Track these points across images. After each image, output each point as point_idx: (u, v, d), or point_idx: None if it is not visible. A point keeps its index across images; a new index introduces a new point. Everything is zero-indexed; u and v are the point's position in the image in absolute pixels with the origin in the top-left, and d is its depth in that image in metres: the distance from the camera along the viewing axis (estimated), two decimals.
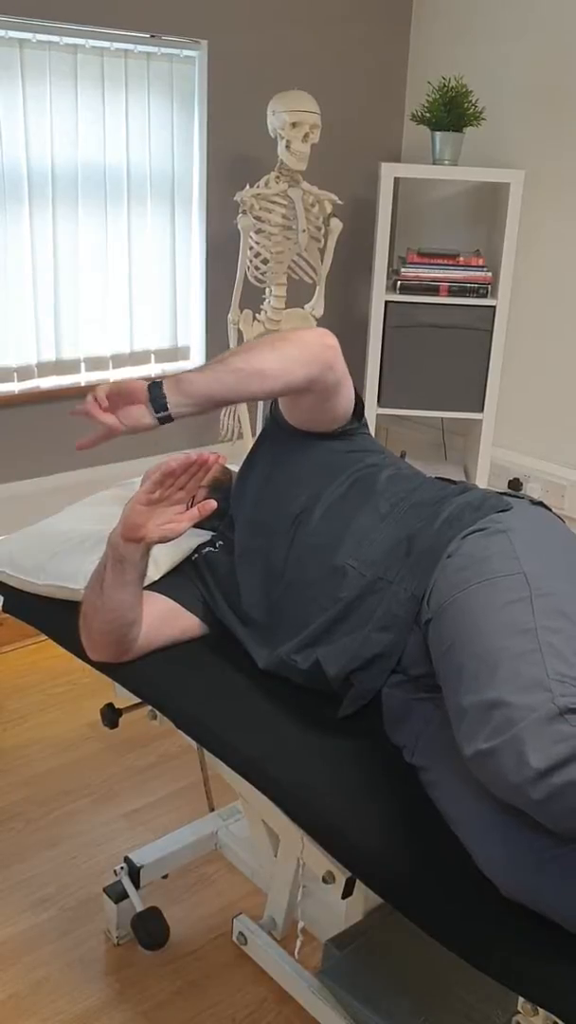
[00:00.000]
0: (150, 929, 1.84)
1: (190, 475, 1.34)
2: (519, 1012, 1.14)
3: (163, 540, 1.38)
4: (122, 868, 1.89)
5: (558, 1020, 1.04)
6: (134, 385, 1.42)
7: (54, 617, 1.65)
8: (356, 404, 1.60)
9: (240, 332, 3.00)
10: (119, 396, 1.42)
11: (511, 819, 1.07)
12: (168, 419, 1.42)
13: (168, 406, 1.41)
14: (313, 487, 1.53)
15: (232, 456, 1.95)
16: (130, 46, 2.82)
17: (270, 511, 1.56)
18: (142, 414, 1.42)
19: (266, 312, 2.99)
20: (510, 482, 3.36)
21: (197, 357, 3.27)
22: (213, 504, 1.35)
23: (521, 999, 1.11)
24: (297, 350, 1.45)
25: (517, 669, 1.09)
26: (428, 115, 3.06)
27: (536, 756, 0.99)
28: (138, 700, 1.62)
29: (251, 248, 2.89)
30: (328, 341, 1.48)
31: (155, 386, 1.41)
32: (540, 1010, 1.10)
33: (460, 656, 1.18)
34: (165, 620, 1.55)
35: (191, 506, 1.38)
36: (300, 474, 1.56)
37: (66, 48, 2.70)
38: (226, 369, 1.42)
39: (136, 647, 1.50)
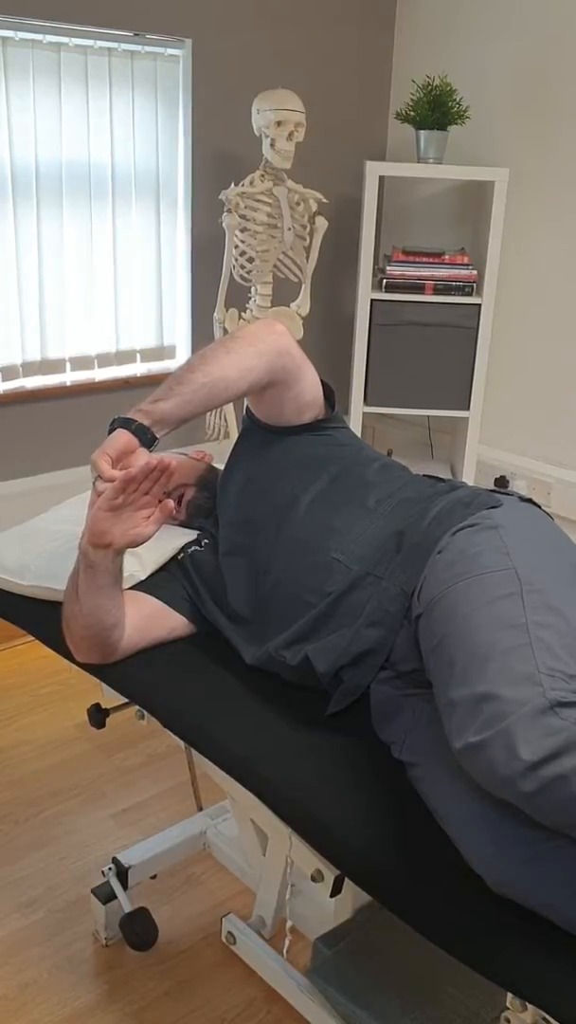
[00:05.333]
0: (139, 930, 1.83)
1: (153, 480, 1.34)
2: (508, 1008, 1.14)
3: (131, 545, 1.38)
4: (110, 869, 1.89)
5: (547, 1016, 1.05)
6: (120, 440, 1.39)
7: (40, 617, 1.64)
8: (328, 394, 1.61)
9: (226, 330, 3.00)
10: (118, 458, 1.40)
11: (500, 814, 1.07)
12: (155, 440, 1.43)
13: (153, 432, 1.41)
14: (296, 482, 1.53)
15: (219, 454, 1.95)
16: (114, 44, 2.81)
17: (254, 508, 1.56)
18: (142, 454, 1.41)
19: (252, 311, 2.98)
20: (496, 480, 3.37)
21: (183, 356, 3.26)
22: (171, 504, 1.36)
23: (510, 995, 1.11)
24: (249, 346, 1.46)
25: (508, 663, 1.10)
26: (413, 113, 3.07)
27: (526, 749, 0.99)
28: (125, 700, 1.61)
29: (236, 247, 2.89)
30: (277, 328, 1.50)
31: (128, 421, 1.40)
32: (529, 1006, 1.10)
33: (450, 651, 1.18)
34: (152, 620, 1.55)
35: (177, 504, 1.38)
36: (282, 470, 1.56)
37: (49, 46, 2.69)
38: (190, 389, 1.42)
39: (122, 648, 1.50)
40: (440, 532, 1.38)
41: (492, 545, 1.30)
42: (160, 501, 1.37)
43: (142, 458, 1.39)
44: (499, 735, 1.02)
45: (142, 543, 1.38)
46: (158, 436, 1.41)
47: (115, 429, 1.40)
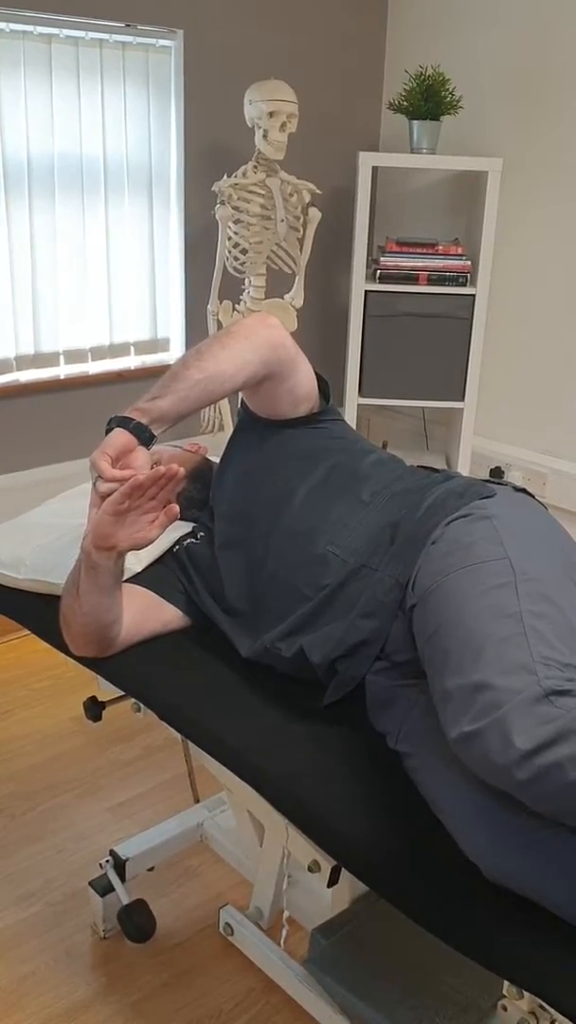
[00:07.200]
0: (136, 922, 1.84)
1: (160, 487, 1.33)
2: (504, 996, 1.14)
3: (135, 548, 1.37)
4: (107, 861, 1.89)
5: (543, 1003, 1.05)
6: (119, 439, 1.38)
7: (35, 612, 1.64)
8: (322, 386, 1.60)
9: (220, 323, 2.99)
10: (118, 457, 1.39)
11: (495, 803, 1.07)
12: (153, 438, 1.42)
13: (151, 430, 1.41)
14: (292, 475, 1.53)
15: (214, 447, 1.95)
16: (105, 36, 2.79)
17: (250, 501, 1.56)
18: (141, 452, 1.40)
19: (246, 303, 2.98)
20: (491, 471, 3.37)
21: (177, 349, 3.26)
22: (176, 509, 1.35)
23: (506, 983, 1.11)
24: (244, 340, 1.46)
25: (502, 652, 1.10)
26: (406, 104, 3.06)
27: (521, 737, 1.00)
28: (121, 693, 1.61)
29: (230, 238, 2.88)
30: (270, 321, 1.51)
31: (126, 420, 1.39)
32: (525, 993, 1.11)
33: (445, 640, 1.18)
34: (147, 613, 1.55)
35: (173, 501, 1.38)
36: (278, 463, 1.56)
37: (40, 38, 2.67)
38: (186, 385, 1.42)
39: (118, 642, 1.50)
40: (434, 523, 1.38)
41: (486, 535, 1.30)
42: (165, 506, 1.36)
43: (141, 457, 1.39)
44: (494, 724, 1.02)
45: (146, 546, 1.38)
46: (156, 434, 1.41)
47: (112, 428, 1.39)
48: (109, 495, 1.34)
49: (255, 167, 2.84)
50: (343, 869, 1.28)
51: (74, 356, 3.02)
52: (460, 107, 3.09)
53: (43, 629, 1.60)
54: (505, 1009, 1.15)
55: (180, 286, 3.21)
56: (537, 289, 3.19)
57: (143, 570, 1.64)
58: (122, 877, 1.87)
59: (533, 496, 1.49)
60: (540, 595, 1.18)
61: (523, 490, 1.49)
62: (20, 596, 1.68)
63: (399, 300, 3.11)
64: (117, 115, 2.89)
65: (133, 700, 1.61)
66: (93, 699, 1.74)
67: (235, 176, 2.85)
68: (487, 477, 3.06)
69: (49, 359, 2.97)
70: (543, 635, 1.12)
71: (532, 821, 1.04)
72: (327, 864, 1.30)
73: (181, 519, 1.75)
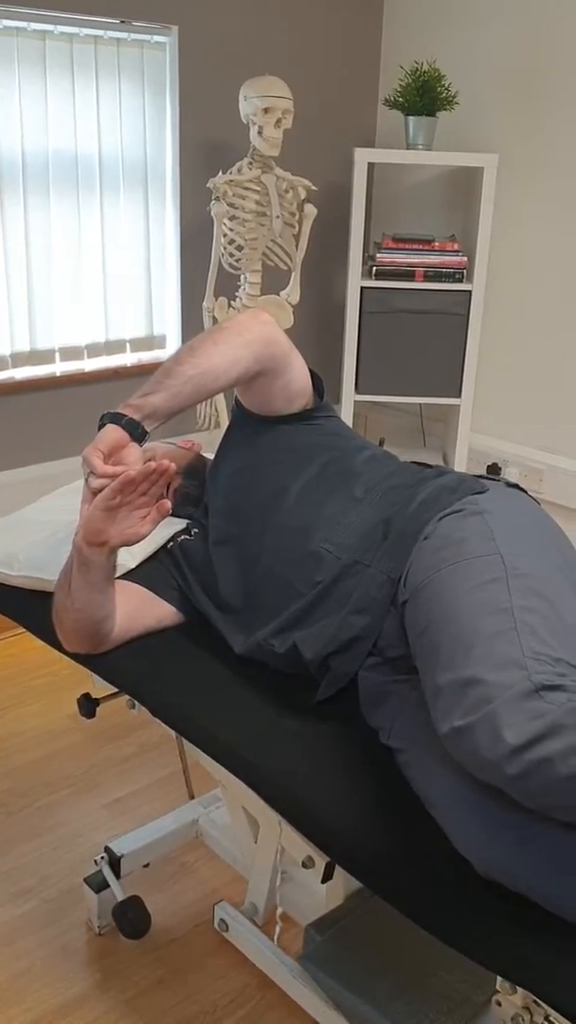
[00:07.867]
0: (132, 918, 1.84)
1: (151, 483, 1.33)
2: (498, 991, 1.14)
3: (127, 544, 1.37)
4: (103, 858, 1.89)
5: (536, 998, 1.05)
6: (112, 435, 1.38)
7: (30, 609, 1.64)
8: (316, 383, 1.60)
9: (215, 319, 2.99)
10: (110, 453, 1.39)
11: (487, 798, 1.07)
12: (145, 434, 1.42)
13: (144, 426, 1.40)
14: (286, 472, 1.53)
15: (210, 444, 1.95)
16: (100, 32, 2.79)
17: (243, 497, 1.56)
18: (133, 449, 1.40)
19: (241, 299, 2.98)
20: (488, 467, 3.37)
21: (173, 345, 3.25)
22: (168, 505, 1.35)
23: (500, 978, 1.11)
24: (237, 336, 1.46)
25: (493, 648, 1.10)
26: (401, 100, 3.05)
27: (511, 732, 1.00)
28: (115, 689, 1.61)
29: (225, 235, 2.88)
30: (262, 318, 1.51)
31: (118, 416, 1.39)
32: (519, 989, 1.11)
33: (436, 636, 1.18)
34: (140, 610, 1.55)
35: (165, 496, 1.38)
36: (272, 460, 1.56)
37: (34, 34, 2.67)
38: (179, 381, 1.41)
39: (112, 638, 1.50)
40: (426, 518, 1.38)
41: (478, 531, 1.30)
42: (157, 502, 1.36)
43: (134, 453, 1.39)
44: (484, 719, 1.02)
45: (138, 542, 1.38)
46: (148, 430, 1.41)
47: (105, 424, 1.39)
48: (101, 491, 1.34)
49: (250, 163, 2.84)
50: (337, 865, 1.28)
51: (70, 353, 3.02)
52: (456, 103, 3.08)
53: (37, 626, 1.60)
54: (499, 1004, 1.15)
55: (176, 283, 3.21)
56: (534, 285, 3.18)
57: (137, 566, 1.64)
58: (117, 873, 1.87)
59: (526, 492, 1.49)
60: (531, 590, 1.18)
61: (516, 485, 1.49)
62: (14, 593, 1.68)
63: (395, 296, 3.11)
64: (112, 112, 2.89)
65: (127, 697, 1.61)
66: (87, 696, 1.74)
67: (230, 172, 2.84)
68: (484, 473, 3.07)
69: (45, 356, 2.97)
70: (534, 630, 1.12)
71: (523, 816, 1.04)
72: (321, 860, 1.30)
73: (176, 516, 1.76)
